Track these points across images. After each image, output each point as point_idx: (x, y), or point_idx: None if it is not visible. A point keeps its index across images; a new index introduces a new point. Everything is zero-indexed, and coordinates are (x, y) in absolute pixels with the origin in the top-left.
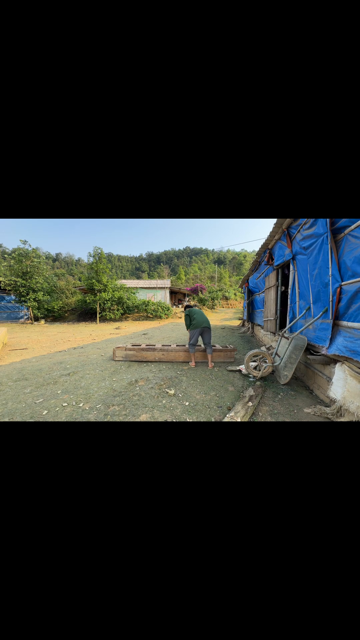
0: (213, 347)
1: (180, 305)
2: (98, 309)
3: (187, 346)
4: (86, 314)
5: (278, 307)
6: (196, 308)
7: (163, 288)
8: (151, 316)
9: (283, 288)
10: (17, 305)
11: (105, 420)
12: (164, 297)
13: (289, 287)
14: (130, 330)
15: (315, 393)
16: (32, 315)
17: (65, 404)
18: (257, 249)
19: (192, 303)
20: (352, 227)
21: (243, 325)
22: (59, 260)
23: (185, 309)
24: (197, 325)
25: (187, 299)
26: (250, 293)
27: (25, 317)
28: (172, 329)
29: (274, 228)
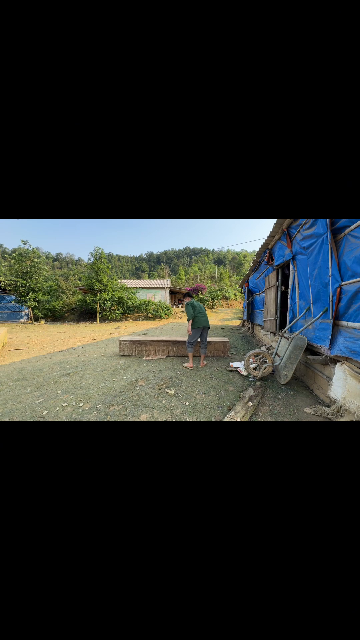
0: (208, 342)
1: (180, 305)
2: (98, 309)
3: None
4: (86, 314)
5: (278, 307)
6: (198, 302)
7: (163, 288)
8: (151, 316)
9: (283, 288)
10: (17, 305)
11: (105, 420)
12: (164, 297)
13: (289, 287)
14: (130, 330)
15: (315, 393)
16: (32, 315)
17: (65, 404)
18: (257, 249)
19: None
20: (352, 227)
21: (243, 325)
22: (59, 260)
23: (185, 297)
24: (199, 324)
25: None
26: (250, 293)
27: (26, 317)
28: (172, 329)
29: (274, 228)
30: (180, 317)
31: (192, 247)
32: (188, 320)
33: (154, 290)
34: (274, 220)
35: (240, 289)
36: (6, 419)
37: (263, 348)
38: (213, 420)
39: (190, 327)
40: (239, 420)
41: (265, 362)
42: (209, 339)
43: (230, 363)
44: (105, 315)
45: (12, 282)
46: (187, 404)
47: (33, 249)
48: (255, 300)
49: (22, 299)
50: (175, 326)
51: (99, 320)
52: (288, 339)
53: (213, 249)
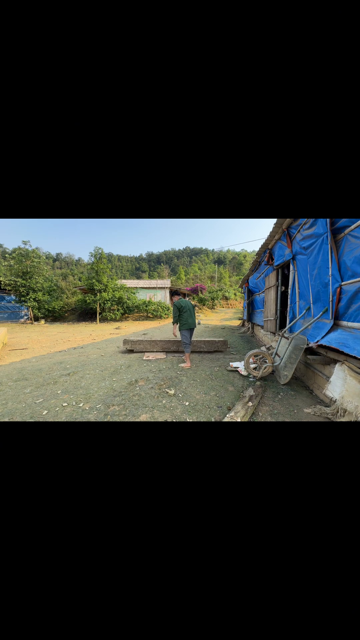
0: (206, 341)
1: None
2: (98, 309)
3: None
4: (86, 314)
5: (278, 307)
6: (186, 300)
7: (163, 288)
8: (151, 316)
9: (283, 288)
10: (17, 305)
11: (105, 420)
12: (164, 297)
13: (289, 287)
14: (130, 330)
15: (315, 393)
16: (32, 315)
17: (65, 404)
18: (257, 249)
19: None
20: (352, 227)
21: (243, 325)
22: (59, 260)
23: (173, 295)
24: (187, 326)
25: (186, 299)
26: (250, 293)
27: (26, 317)
28: (172, 329)
29: (274, 228)
30: None
31: (192, 247)
32: (173, 323)
33: (154, 290)
34: (274, 220)
35: (240, 289)
36: (6, 419)
37: (263, 348)
38: (213, 420)
39: (176, 330)
40: (239, 420)
41: (265, 362)
42: (207, 338)
43: (230, 363)
44: (105, 315)
45: (12, 282)
46: (187, 404)
47: (33, 249)
48: (255, 300)
49: (22, 299)
50: None
51: (99, 321)
52: (288, 339)
53: (213, 249)
